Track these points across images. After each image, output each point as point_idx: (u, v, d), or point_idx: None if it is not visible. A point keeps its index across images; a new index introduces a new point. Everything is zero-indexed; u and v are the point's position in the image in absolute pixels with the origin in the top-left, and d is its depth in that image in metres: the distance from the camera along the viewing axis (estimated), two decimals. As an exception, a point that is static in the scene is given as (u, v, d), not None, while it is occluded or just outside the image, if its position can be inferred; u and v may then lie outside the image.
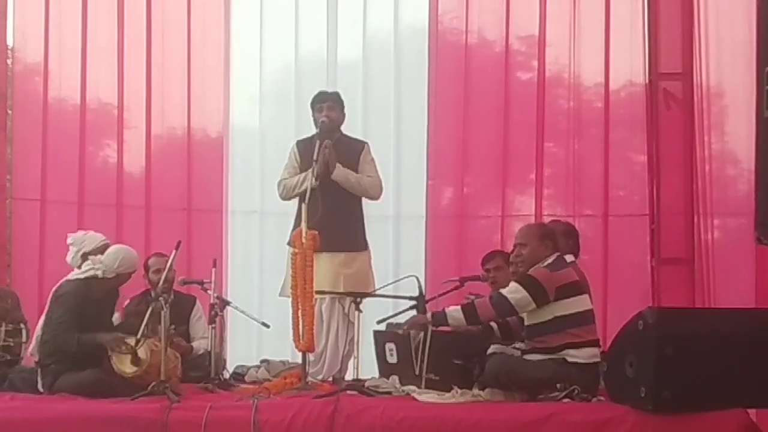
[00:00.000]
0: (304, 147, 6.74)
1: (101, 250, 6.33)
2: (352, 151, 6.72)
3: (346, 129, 6.86)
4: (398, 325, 6.04)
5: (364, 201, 6.84)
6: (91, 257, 6.26)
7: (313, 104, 6.73)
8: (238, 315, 6.86)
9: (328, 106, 6.67)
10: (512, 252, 5.93)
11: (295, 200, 6.66)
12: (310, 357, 6.31)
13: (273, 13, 8.24)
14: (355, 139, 6.89)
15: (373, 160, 6.78)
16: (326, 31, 8.17)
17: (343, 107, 6.75)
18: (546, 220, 7.54)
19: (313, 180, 6.28)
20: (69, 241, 6.60)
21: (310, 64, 8.18)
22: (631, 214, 7.84)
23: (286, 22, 8.21)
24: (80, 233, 6.70)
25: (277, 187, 6.82)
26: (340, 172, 6.57)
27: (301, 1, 8.24)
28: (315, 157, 6.40)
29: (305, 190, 6.26)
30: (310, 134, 6.76)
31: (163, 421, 5.23)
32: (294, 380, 6.15)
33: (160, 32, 8.03)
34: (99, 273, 6.09)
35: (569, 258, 5.98)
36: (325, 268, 6.37)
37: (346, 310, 6.42)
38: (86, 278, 6.11)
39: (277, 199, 6.97)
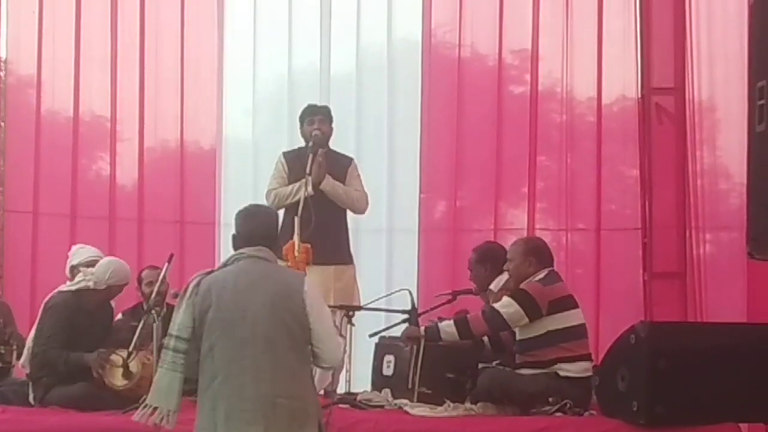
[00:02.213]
0: (292, 159, 6.67)
1: (89, 264, 6.30)
2: (340, 166, 6.66)
3: (338, 140, 6.82)
4: (398, 338, 6.02)
5: (354, 215, 6.83)
6: (82, 269, 6.24)
7: (303, 117, 6.65)
8: (230, 328, 6.82)
9: (320, 119, 6.61)
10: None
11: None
12: (302, 370, 6.28)
13: (266, 25, 8.22)
14: (342, 155, 6.81)
15: (359, 176, 6.72)
16: (320, 44, 8.15)
17: (332, 121, 6.69)
18: (537, 233, 7.56)
19: (309, 190, 6.26)
20: (69, 253, 6.61)
21: (304, 77, 8.16)
22: (624, 228, 7.83)
23: (280, 34, 8.19)
24: (76, 246, 6.68)
25: (266, 197, 6.70)
26: (328, 183, 6.53)
27: (295, 13, 8.22)
28: (308, 170, 6.37)
29: (297, 201, 6.24)
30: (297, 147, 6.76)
31: (154, 434, 5.21)
32: (286, 393, 6.10)
33: (153, 44, 8.02)
34: (90, 284, 6.05)
35: None
36: (316, 282, 6.31)
37: (338, 324, 6.40)
38: (77, 290, 6.07)
39: (269, 212, 6.94)
